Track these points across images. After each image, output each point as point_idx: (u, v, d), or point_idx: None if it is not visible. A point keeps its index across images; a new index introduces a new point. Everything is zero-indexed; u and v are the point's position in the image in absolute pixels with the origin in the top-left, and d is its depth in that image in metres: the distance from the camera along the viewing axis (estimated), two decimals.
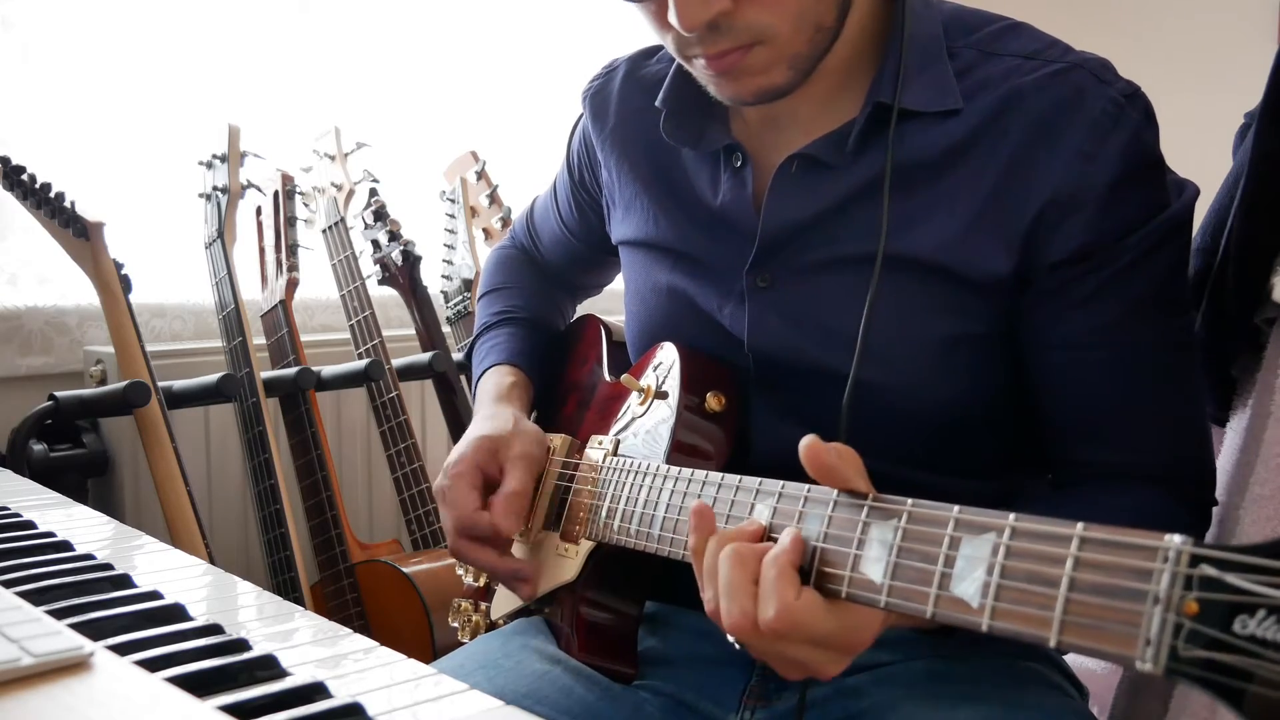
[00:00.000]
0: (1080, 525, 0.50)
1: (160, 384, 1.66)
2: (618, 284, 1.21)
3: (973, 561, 0.54)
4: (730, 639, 0.68)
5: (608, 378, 1.08)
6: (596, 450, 0.95)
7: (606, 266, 1.23)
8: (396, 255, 2.02)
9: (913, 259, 0.85)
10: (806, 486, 0.67)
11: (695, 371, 0.92)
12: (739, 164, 0.92)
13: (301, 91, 2.16)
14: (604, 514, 0.89)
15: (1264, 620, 0.41)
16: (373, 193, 2.04)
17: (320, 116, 2.12)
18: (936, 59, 0.86)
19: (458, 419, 2.00)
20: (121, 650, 0.60)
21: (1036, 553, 0.51)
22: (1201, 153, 1.24)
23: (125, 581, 0.75)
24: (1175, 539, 0.45)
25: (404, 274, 2.03)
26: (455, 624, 1.11)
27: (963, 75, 0.86)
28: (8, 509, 0.95)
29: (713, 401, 0.90)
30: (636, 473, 0.87)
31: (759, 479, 0.71)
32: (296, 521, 1.76)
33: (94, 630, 0.63)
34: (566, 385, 1.14)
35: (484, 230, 2.13)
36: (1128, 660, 0.46)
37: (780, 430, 0.91)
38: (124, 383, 1.59)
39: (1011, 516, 0.54)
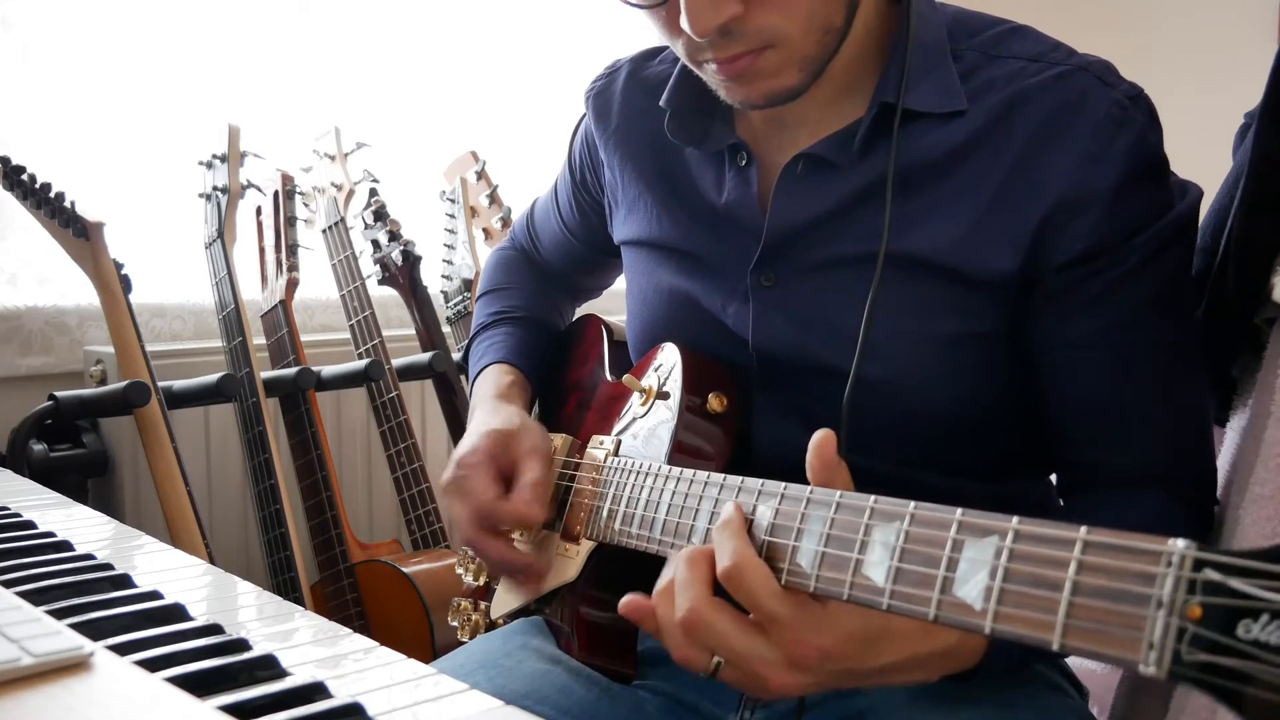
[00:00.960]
0: (1084, 529, 0.50)
1: (160, 384, 1.66)
2: (618, 284, 1.21)
3: (975, 564, 0.54)
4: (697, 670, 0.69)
5: (609, 378, 1.08)
6: (598, 450, 0.95)
7: (607, 268, 1.23)
8: (396, 255, 2.02)
9: (917, 258, 0.85)
10: (809, 488, 0.66)
11: (697, 372, 0.92)
12: (744, 163, 0.92)
13: (301, 91, 2.16)
14: (605, 514, 0.89)
15: (1268, 625, 0.41)
16: (373, 193, 2.04)
17: (320, 116, 2.12)
18: (941, 61, 0.86)
19: (458, 419, 2.00)
20: (121, 650, 0.60)
21: (1040, 556, 0.51)
22: (1202, 153, 1.24)
23: (125, 581, 0.75)
24: (1179, 543, 0.45)
25: (404, 274, 2.03)
26: (454, 623, 1.11)
27: (967, 77, 0.86)
28: (8, 509, 0.95)
29: (714, 402, 0.90)
30: (638, 473, 0.87)
31: (761, 480, 0.71)
32: (296, 521, 1.76)
33: (94, 630, 0.63)
34: (567, 385, 1.14)
35: (484, 230, 2.13)
36: (1131, 664, 0.46)
37: (783, 430, 0.91)
38: (124, 383, 1.59)
39: (1015, 520, 0.54)
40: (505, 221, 2.12)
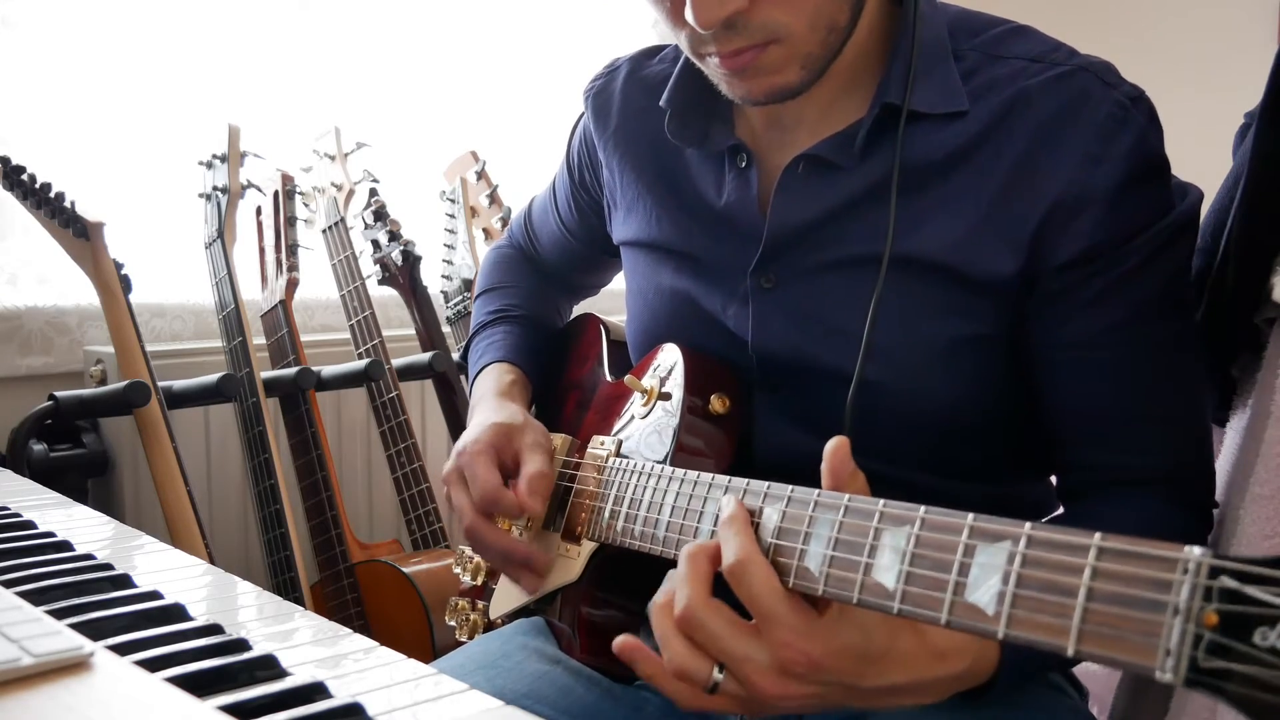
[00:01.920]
0: (1098, 535, 0.49)
1: (160, 384, 1.66)
2: (617, 283, 1.21)
3: (988, 569, 0.54)
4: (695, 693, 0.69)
5: (609, 377, 1.08)
6: (599, 450, 0.95)
7: (605, 267, 1.23)
8: (396, 255, 2.02)
9: (918, 260, 0.85)
10: (816, 491, 0.66)
11: (698, 372, 0.91)
12: (744, 164, 0.92)
13: (301, 91, 2.16)
14: (607, 515, 0.89)
15: None
16: (373, 193, 2.04)
17: (320, 116, 2.12)
18: (942, 61, 0.86)
19: (458, 419, 2.00)
20: (121, 650, 0.60)
21: (1053, 562, 0.51)
22: (1201, 153, 1.24)
23: (125, 581, 0.75)
24: (1195, 550, 0.45)
25: (404, 274, 2.03)
26: (452, 623, 1.11)
27: (968, 78, 0.86)
28: (8, 509, 0.95)
29: (716, 403, 0.90)
30: (641, 474, 0.87)
31: (767, 483, 0.71)
32: (296, 521, 1.76)
33: (94, 630, 0.63)
34: (566, 384, 1.14)
35: (484, 230, 2.13)
36: (1148, 670, 0.46)
37: (784, 432, 0.91)
38: (124, 383, 1.59)
39: (1027, 525, 0.53)
40: (505, 221, 2.12)
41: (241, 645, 0.63)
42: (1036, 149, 0.82)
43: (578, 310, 1.28)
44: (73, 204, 1.61)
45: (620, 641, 0.70)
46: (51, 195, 1.60)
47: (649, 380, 0.95)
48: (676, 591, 0.67)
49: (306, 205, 2.02)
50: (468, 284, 2.07)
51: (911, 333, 0.86)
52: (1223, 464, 0.94)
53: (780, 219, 0.89)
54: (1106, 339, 0.83)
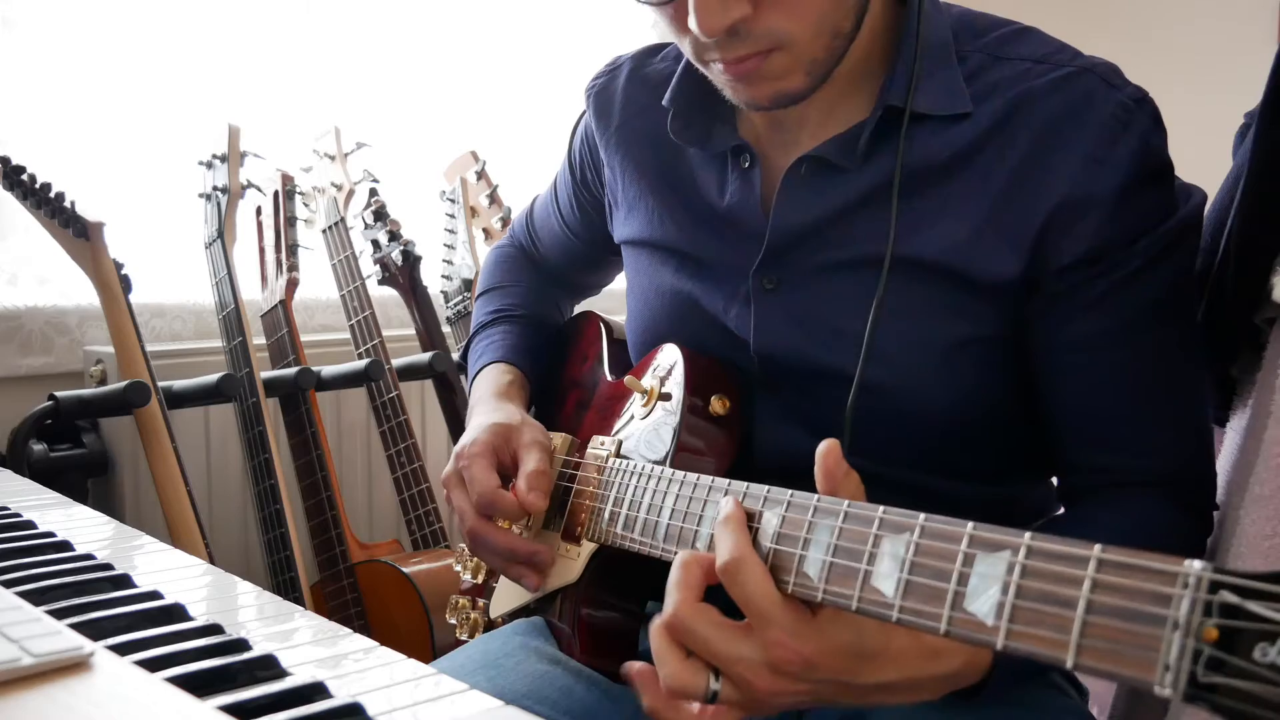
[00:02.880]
0: (1098, 547, 0.49)
1: (160, 384, 1.66)
2: (618, 283, 1.21)
3: (987, 579, 0.54)
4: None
5: (609, 377, 1.07)
6: (599, 451, 0.95)
7: (607, 266, 1.23)
8: (396, 255, 2.02)
9: (921, 261, 0.85)
10: (815, 496, 0.66)
11: (699, 373, 0.91)
12: (747, 165, 0.92)
13: (301, 91, 2.16)
14: (607, 516, 0.89)
15: None
16: (373, 193, 2.04)
17: (320, 116, 2.12)
18: (946, 62, 0.86)
19: (458, 419, 2.00)
20: (121, 650, 0.60)
21: (1053, 573, 0.51)
22: (1202, 153, 1.24)
23: (125, 581, 0.75)
24: (1195, 565, 0.45)
25: (404, 274, 2.03)
26: (452, 621, 1.11)
27: (972, 79, 0.86)
28: (8, 509, 0.95)
29: (717, 404, 0.90)
30: (640, 475, 0.86)
31: (767, 486, 0.70)
32: (296, 521, 1.76)
33: (94, 630, 0.63)
34: (566, 383, 1.14)
35: (484, 230, 2.13)
36: (1146, 684, 0.45)
37: (784, 433, 0.91)
38: (124, 383, 1.59)
39: (1027, 535, 0.53)
40: (505, 221, 2.12)
41: (241, 645, 0.63)
42: (1040, 151, 0.82)
43: (579, 308, 1.28)
44: (73, 204, 1.61)
45: (629, 666, 0.70)
46: (51, 195, 1.60)
47: (649, 380, 0.95)
48: (665, 599, 0.67)
49: (306, 205, 2.02)
50: (468, 284, 2.07)
51: (914, 334, 0.85)
52: (1223, 464, 0.93)
53: (783, 220, 0.89)
54: (1108, 341, 0.83)
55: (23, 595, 0.68)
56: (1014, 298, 0.84)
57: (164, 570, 0.81)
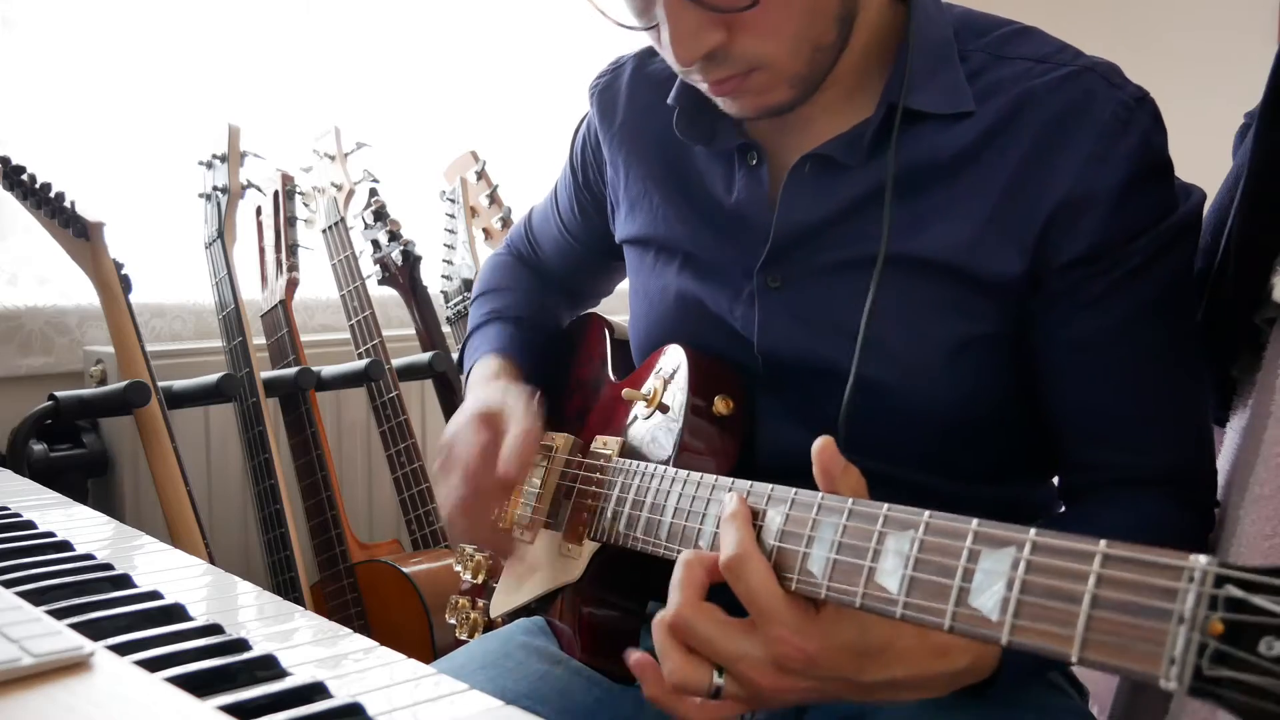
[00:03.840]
0: (1103, 542, 0.49)
1: (160, 384, 1.66)
2: (620, 285, 1.21)
3: (992, 575, 0.54)
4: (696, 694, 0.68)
5: (613, 378, 1.07)
6: (602, 450, 0.95)
7: (608, 271, 1.22)
8: (396, 255, 2.02)
9: (924, 260, 0.85)
10: (820, 494, 0.66)
11: (703, 374, 0.91)
12: (754, 163, 0.92)
13: (301, 91, 2.16)
14: (609, 515, 0.89)
15: None
16: (373, 193, 2.04)
17: (320, 116, 2.12)
18: (948, 62, 0.86)
19: None
20: (121, 650, 0.60)
21: (1058, 569, 0.51)
22: (1202, 153, 1.24)
23: (125, 581, 0.75)
24: (1200, 559, 0.45)
25: (404, 274, 2.03)
26: (452, 621, 1.11)
27: (974, 78, 0.86)
28: (8, 509, 0.95)
29: (720, 405, 0.90)
30: (643, 474, 0.86)
31: (771, 485, 0.70)
32: (296, 521, 1.76)
33: (94, 630, 0.63)
34: (570, 384, 1.14)
35: (484, 230, 2.13)
36: (1152, 678, 0.46)
37: (787, 432, 0.91)
38: (124, 383, 1.59)
39: (1032, 531, 0.53)
40: (505, 221, 2.12)
41: (241, 645, 0.63)
42: (1042, 149, 0.83)
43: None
44: (73, 204, 1.61)
45: (634, 656, 0.70)
46: (51, 195, 1.60)
47: (652, 383, 0.95)
48: (669, 597, 0.67)
49: (306, 205, 2.02)
50: (468, 284, 2.07)
51: (917, 333, 0.86)
52: (1222, 464, 0.94)
53: (787, 218, 0.89)
54: (1109, 339, 0.84)
55: (23, 595, 0.68)
56: (1016, 296, 0.84)
57: (164, 570, 0.81)
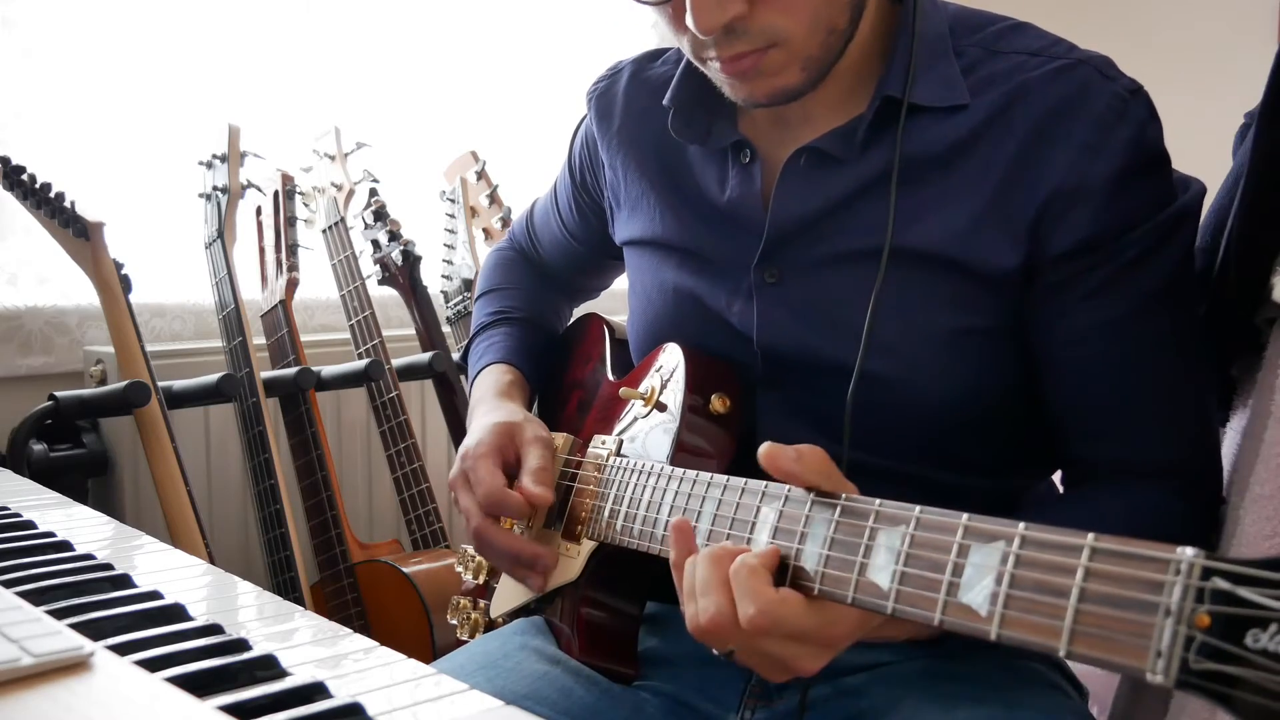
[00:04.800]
0: (1091, 535, 0.49)
1: (160, 384, 1.66)
2: (619, 283, 1.21)
3: (981, 570, 0.54)
4: (714, 650, 0.69)
5: (611, 377, 1.08)
6: (600, 450, 0.95)
7: (606, 269, 1.23)
8: (396, 255, 2.02)
9: (921, 252, 0.85)
10: (813, 491, 0.66)
11: (700, 372, 0.91)
12: (747, 160, 0.93)
13: (301, 91, 2.15)
14: (607, 514, 0.89)
15: (1276, 634, 0.41)
16: (373, 193, 2.04)
17: (320, 116, 2.12)
18: (943, 56, 0.87)
19: (458, 419, 2.00)
20: (121, 650, 0.60)
21: (1046, 562, 0.51)
22: (1202, 153, 1.24)
23: (125, 581, 0.75)
24: (1187, 551, 0.45)
25: (404, 274, 2.03)
26: (454, 621, 1.11)
27: (969, 72, 0.87)
28: (8, 509, 0.95)
29: (717, 403, 0.90)
30: (640, 473, 0.87)
31: (765, 482, 0.71)
32: (296, 521, 1.76)
33: (94, 630, 0.63)
34: (569, 385, 1.14)
35: (484, 230, 2.13)
36: (1139, 672, 0.46)
37: (787, 427, 0.91)
38: (124, 383, 1.59)
39: (1021, 525, 0.53)
40: (505, 221, 2.12)
41: (241, 645, 0.63)
42: (1036, 141, 0.83)
43: (579, 311, 1.28)
44: (73, 204, 1.61)
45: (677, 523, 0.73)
46: (51, 195, 1.60)
47: (650, 381, 0.95)
48: (740, 600, 0.66)
49: (306, 205, 2.02)
50: (468, 284, 2.07)
51: (914, 326, 0.86)
52: (1223, 464, 0.93)
53: (782, 212, 0.90)
54: (1107, 331, 0.84)
55: (23, 595, 0.68)
56: (1014, 288, 0.84)
57: (164, 570, 0.81)
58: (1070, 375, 0.86)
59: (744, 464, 0.89)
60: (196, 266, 1.88)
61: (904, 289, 0.85)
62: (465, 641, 1.06)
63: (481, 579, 1.11)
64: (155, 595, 0.71)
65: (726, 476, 0.76)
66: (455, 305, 2.10)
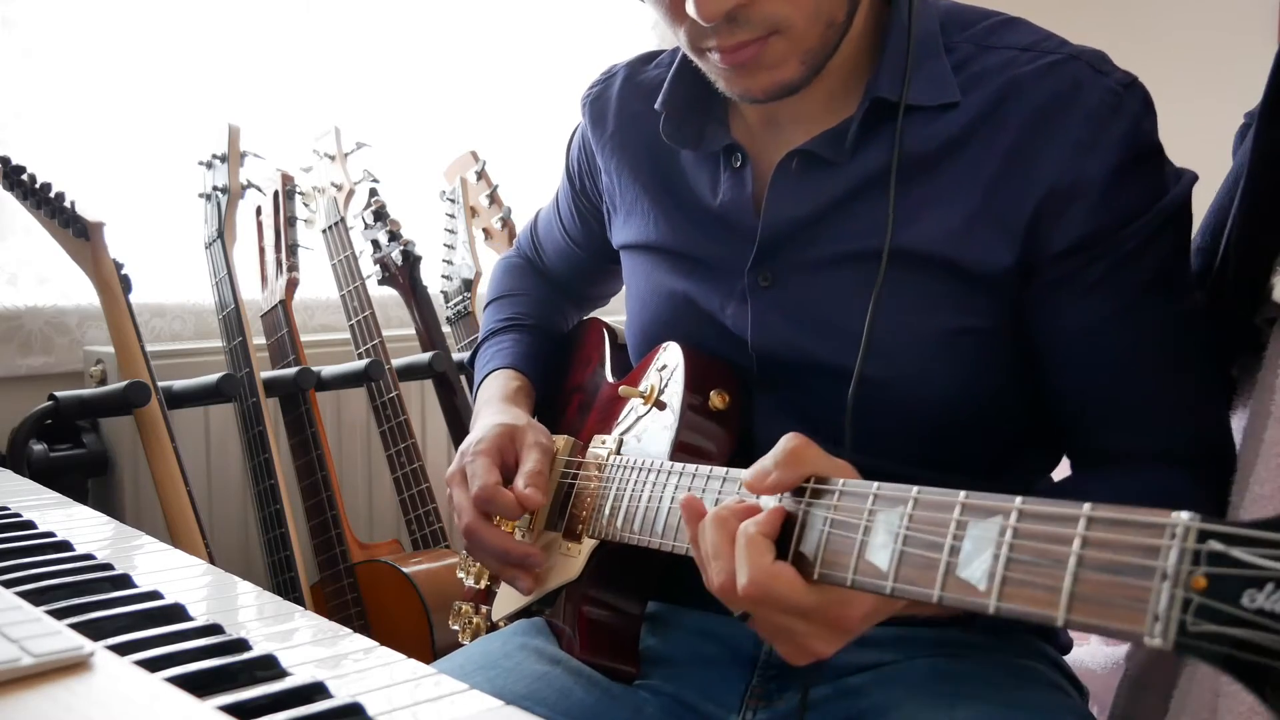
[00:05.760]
0: (1087, 505, 0.50)
1: (160, 384, 1.66)
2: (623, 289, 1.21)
3: (980, 544, 0.54)
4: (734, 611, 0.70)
5: (610, 379, 1.08)
6: (600, 449, 0.95)
7: (611, 276, 1.23)
8: (396, 255, 2.02)
9: (914, 253, 0.85)
10: (811, 481, 0.67)
11: (699, 369, 0.92)
12: (738, 164, 0.93)
13: (301, 91, 2.15)
14: (607, 512, 0.89)
15: (1273, 594, 0.41)
16: (373, 193, 2.04)
17: (320, 116, 2.12)
18: (933, 54, 0.87)
19: (458, 419, 2.00)
20: (121, 650, 0.60)
21: (1044, 533, 0.51)
22: (1201, 153, 1.24)
23: (125, 581, 0.75)
24: (1183, 515, 0.45)
25: (404, 274, 2.03)
26: (455, 626, 1.11)
27: (960, 69, 0.86)
28: (8, 509, 0.95)
29: (716, 400, 0.90)
30: (640, 470, 0.87)
31: None
32: (296, 521, 1.76)
33: (94, 630, 0.63)
34: (570, 388, 1.14)
35: (484, 230, 2.13)
36: (1136, 636, 0.46)
37: (784, 430, 0.91)
38: (124, 383, 1.59)
39: (1018, 500, 0.54)
40: (505, 221, 2.12)
41: (241, 645, 0.63)
42: (1029, 137, 0.83)
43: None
44: (73, 204, 1.61)
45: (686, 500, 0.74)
46: (51, 195, 1.60)
47: (649, 380, 0.95)
48: (738, 567, 0.67)
49: (306, 205, 2.02)
50: (468, 284, 2.07)
51: (909, 326, 0.86)
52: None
53: (773, 216, 0.90)
54: (1109, 325, 0.84)
55: (23, 595, 0.68)
56: (1009, 287, 0.84)
57: (164, 570, 0.81)
58: (1073, 370, 0.86)
59: (744, 462, 0.89)
60: (196, 266, 1.88)
61: (898, 289, 0.85)
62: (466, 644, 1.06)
63: (483, 584, 1.11)
64: (155, 595, 0.71)
65: (726, 469, 0.76)
66: (455, 305, 2.10)
